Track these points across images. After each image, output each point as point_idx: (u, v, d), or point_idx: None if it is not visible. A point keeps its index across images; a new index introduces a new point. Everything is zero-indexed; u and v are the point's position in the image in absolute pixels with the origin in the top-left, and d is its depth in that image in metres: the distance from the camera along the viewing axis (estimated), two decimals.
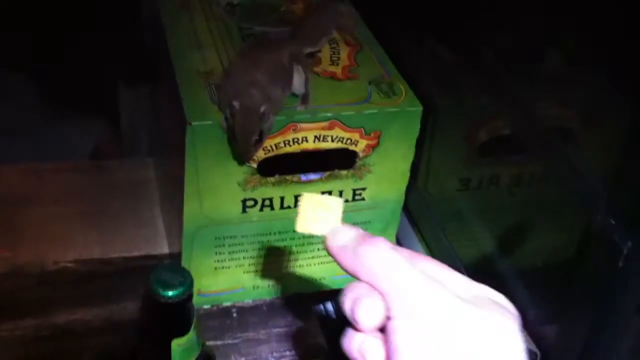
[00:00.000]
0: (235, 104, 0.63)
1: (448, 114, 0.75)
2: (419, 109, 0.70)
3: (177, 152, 0.72)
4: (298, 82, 0.67)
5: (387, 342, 0.38)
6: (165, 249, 0.86)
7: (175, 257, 0.81)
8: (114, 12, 0.97)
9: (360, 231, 0.41)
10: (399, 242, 0.82)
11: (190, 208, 0.70)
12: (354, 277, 0.40)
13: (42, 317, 0.75)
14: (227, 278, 0.77)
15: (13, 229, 0.85)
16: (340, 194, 0.73)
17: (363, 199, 0.75)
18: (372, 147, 0.71)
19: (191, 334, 0.52)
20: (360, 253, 0.39)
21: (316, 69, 0.73)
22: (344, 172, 0.72)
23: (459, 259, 0.74)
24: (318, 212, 0.43)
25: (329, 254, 0.41)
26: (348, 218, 0.75)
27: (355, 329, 0.39)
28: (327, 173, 0.72)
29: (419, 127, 0.71)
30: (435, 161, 0.77)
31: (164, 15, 0.78)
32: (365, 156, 0.71)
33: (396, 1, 0.86)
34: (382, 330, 0.38)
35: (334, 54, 0.76)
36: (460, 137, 0.74)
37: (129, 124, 1.02)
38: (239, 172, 0.69)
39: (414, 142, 0.72)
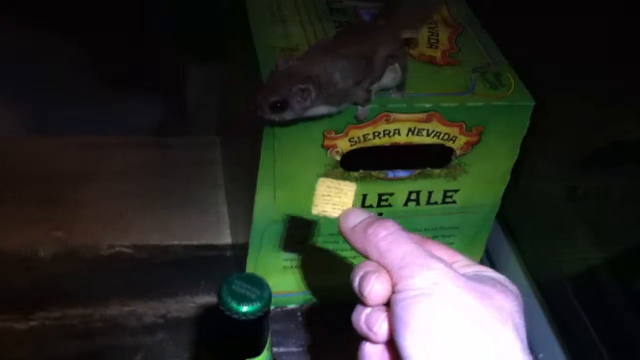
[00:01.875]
0: (281, 62, 0.55)
1: (561, 111, 0.65)
2: (530, 104, 0.61)
3: (251, 136, 0.65)
4: (390, 78, 0.59)
5: (390, 314, 0.39)
6: (227, 239, 0.79)
7: (238, 249, 0.75)
8: None
9: (371, 214, 0.43)
10: (488, 251, 0.74)
11: (262, 199, 0.63)
12: (365, 257, 0.42)
13: (93, 307, 0.69)
14: (295, 279, 0.70)
15: (69, 207, 0.79)
16: (430, 194, 0.65)
17: (454, 201, 0.66)
18: (472, 145, 0.62)
19: (265, 355, 0.45)
20: (369, 232, 0.41)
21: (412, 52, 0.65)
22: (436, 171, 0.64)
23: (562, 274, 0.65)
24: (332, 196, 0.45)
25: (341, 234, 0.44)
26: (435, 222, 0.68)
27: (364, 304, 0.41)
28: (418, 171, 0.64)
29: (527, 124, 0.62)
30: (540, 164, 0.68)
31: None
32: (463, 154, 0.63)
33: None
34: (388, 305, 0.40)
35: (432, 35, 0.67)
36: (573, 139, 0.65)
37: (197, 100, 0.95)
38: (319, 164, 0.61)
39: (519, 141, 0.63)
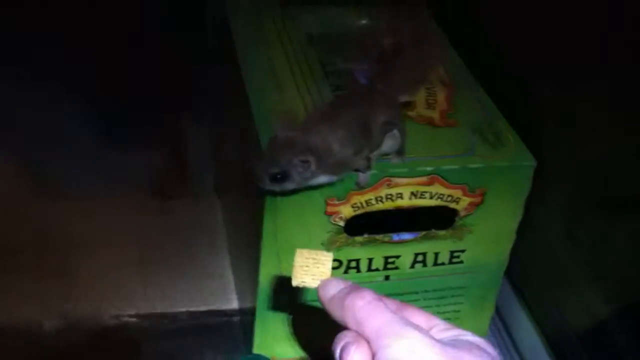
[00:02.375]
0: (280, 130, 0.55)
1: (559, 162, 0.65)
2: (531, 163, 0.61)
3: (252, 203, 0.64)
4: (389, 144, 0.58)
5: None
6: (234, 304, 0.78)
7: (245, 314, 0.74)
8: (182, 37, 0.91)
9: (348, 283, 0.44)
10: (498, 309, 0.73)
11: (267, 269, 0.62)
12: (344, 327, 0.42)
13: None
14: (304, 345, 0.68)
15: (69, 277, 0.78)
16: (436, 256, 0.65)
17: (461, 262, 0.65)
18: (476, 205, 0.62)
19: None
20: (347, 303, 0.42)
21: (410, 114, 0.64)
22: (441, 232, 0.63)
23: (570, 328, 0.64)
24: (311, 266, 0.46)
25: (321, 304, 0.44)
26: (443, 282, 0.67)
27: None
28: (423, 233, 0.63)
29: (530, 183, 0.62)
30: (540, 217, 0.68)
31: (239, 48, 0.70)
32: (467, 215, 0.62)
33: (500, 34, 0.77)
34: None
35: (429, 95, 0.67)
36: (573, 190, 0.64)
37: (195, 161, 0.95)
38: (323, 231, 0.61)
39: (523, 200, 0.63)
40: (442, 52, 0.71)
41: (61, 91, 0.95)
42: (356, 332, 0.41)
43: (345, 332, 0.42)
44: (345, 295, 0.43)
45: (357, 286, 0.44)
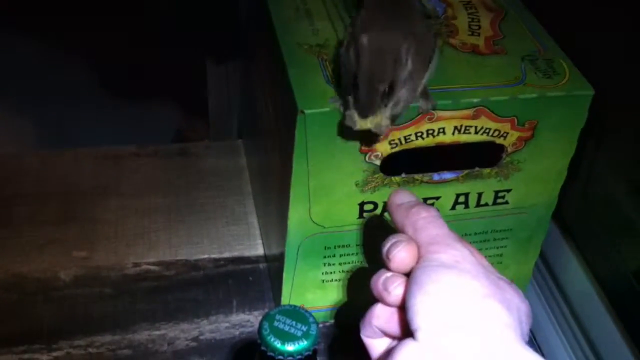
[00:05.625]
0: (364, 39, 0.47)
1: (624, 98, 0.59)
2: (589, 93, 0.55)
3: (280, 144, 0.59)
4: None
5: (408, 280, 0.42)
6: (259, 250, 0.74)
7: (271, 261, 0.70)
8: None
9: (420, 200, 0.47)
10: (545, 254, 0.68)
11: (296, 213, 0.58)
12: (401, 232, 0.45)
13: (121, 333, 0.65)
14: (335, 292, 0.64)
15: (89, 225, 0.75)
16: (480, 196, 0.60)
17: (506, 202, 0.60)
18: (525, 140, 0.56)
19: None
20: (413, 211, 0.45)
21: (452, 41, 0.59)
22: (486, 171, 0.58)
23: (629, 273, 0.59)
24: None
25: (388, 209, 0.47)
26: (486, 225, 0.62)
27: (387, 268, 0.43)
28: (465, 172, 0.58)
29: (586, 116, 0.56)
30: (601, 158, 0.62)
31: None
32: (515, 151, 0.57)
33: None
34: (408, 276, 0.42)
35: (472, 21, 0.61)
36: (637, 129, 0.58)
37: (217, 104, 0.90)
38: (358, 171, 0.56)
39: (577, 134, 0.57)
40: None
41: (70, 41, 0.90)
42: (411, 237, 0.44)
43: (399, 234, 0.44)
44: (414, 205, 0.46)
45: (426, 204, 0.47)
